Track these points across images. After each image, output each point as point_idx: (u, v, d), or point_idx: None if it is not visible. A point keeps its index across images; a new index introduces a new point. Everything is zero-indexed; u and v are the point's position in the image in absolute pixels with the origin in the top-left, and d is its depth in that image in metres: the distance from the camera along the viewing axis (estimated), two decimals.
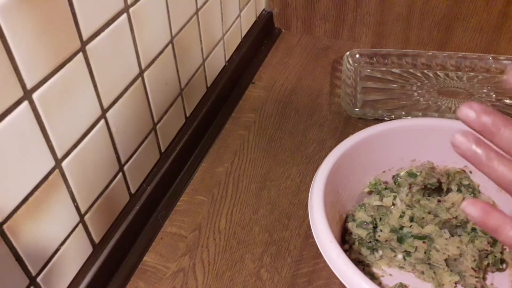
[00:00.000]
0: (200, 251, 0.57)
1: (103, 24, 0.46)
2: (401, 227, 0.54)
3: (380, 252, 0.54)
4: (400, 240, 0.53)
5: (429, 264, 0.52)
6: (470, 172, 0.59)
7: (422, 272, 0.53)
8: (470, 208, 0.31)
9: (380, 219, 0.56)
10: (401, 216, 0.55)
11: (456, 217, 0.54)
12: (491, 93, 0.76)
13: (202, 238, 0.59)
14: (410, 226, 0.54)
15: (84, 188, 0.48)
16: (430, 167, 0.59)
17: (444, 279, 0.51)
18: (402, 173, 0.60)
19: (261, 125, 0.74)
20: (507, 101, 0.74)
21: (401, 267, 0.54)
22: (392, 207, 0.56)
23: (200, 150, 0.70)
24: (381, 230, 0.54)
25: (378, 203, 0.57)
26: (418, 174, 0.59)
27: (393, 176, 0.61)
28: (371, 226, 0.55)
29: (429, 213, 0.54)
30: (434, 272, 0.52)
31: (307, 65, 0.86)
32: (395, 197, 0.56)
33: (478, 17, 0.80)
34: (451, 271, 0.52)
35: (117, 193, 0.55)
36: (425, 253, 0.52)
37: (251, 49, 0.86)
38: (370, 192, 0.60)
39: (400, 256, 0.53)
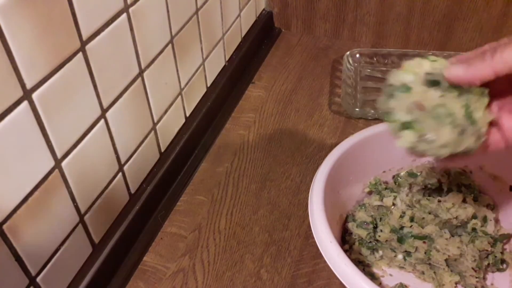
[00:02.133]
0: (200, 251, 0.57)
1: (103, 24, 0.46)
2: (401, 227, 0.54)
3: (380, 252, 0.54)
4: (400, 240, 0.53)
5: (429, 264, 0.52)
6: (471, 172, 0.59)
7: (423, 272, 0.53)
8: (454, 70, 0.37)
9: (380, 219, 0.56)
10: (401, 216, 0.55)
11: (456, 217, 0.54)
12: None
13: (202, 238, 0.59)
14: (411, 226, 0.54)
15: (84, 188, 0.48)
16: (430, 167, 0.59)
17: (445, 279, 0.51)
18: (402, 173, 0.60)
19: (261, 125, 0.74)
20: None
21: (401, 267, 0.54)
22: (393, 207, 0.56)
23: (200, 150, 0.70)
24: (381, 230, 0.54)
25: (378, 203, 0.57)
26: (419, 174, 0.58)
27: (393, 176, 0.61)
28: (371, 226, 0.55)
29: (430, 213, 0.54)
30: (434, 272, 0.52)
31: (307, 65, 0.86)
32: (395, 197, 0.56)
33: (478, 17, 0.80)
34: (451, 271, 0.52)
35: (117, 193, 0.55)
36: (425, 253, 0.52)
37: (251, 49, 0.86)
38: (370, 192, 0.60)
39: (400, 256, 0.53)
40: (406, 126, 0.39)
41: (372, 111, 0.73)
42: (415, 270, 0.53)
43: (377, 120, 0.72)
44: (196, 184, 0.66)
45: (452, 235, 0.53)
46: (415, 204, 0.56)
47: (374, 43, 0.90)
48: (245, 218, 0.61)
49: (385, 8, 0.85)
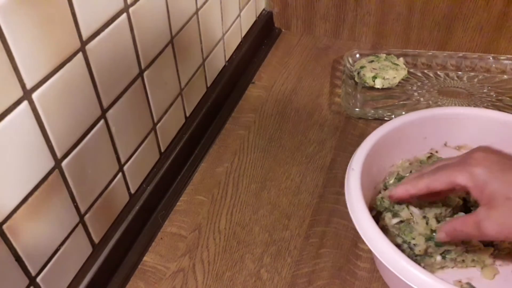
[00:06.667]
0: (200, 251, 0.57)
1: (103, 24, 0.46)
2: (433, 231, 0.51)
3: (422, 264, 0.52)
4: (438, 243, 0.51)
5: (466, 250, 0.52)
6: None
7: (463, 261, 0.52)
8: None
9: (408, 234, 0.52)
10: (426, 223, 0.52)
11: (463, 198, 0.54)
12: (491, 93, 0.76)
13: (202, 238, 0.59)
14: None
15: (83, 188, 0.48)
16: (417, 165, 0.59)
17: (483, 256, 0.51)
18: (391, 181, 0.58)
19: (261, 125, 0.74)
20: (507, 99, 0.74)
21: (442, 267, 0.52)
22: (411, 217, 0.53)
23: (200, 150, 0.70)
24: (414, 245, 0.51)
25: (396, 220, 0.53)
26: (406, 175, 0.58)
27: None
28: (405, 246, 0.52)
29: (442, 205, 0.52)
30: (473, 255, 0.52)
31: (307, 65, 0.86)
32: (407, 206, 0.53)
33: (478, 17, 0.80)
34: (484, 245, 0.51)
35: (117, 193, 0.55)
36: (462, 242, 0.51)
37: (251, 49, 0.86)
38: (376, 216, 0.55)
39: (438, 257, 0.52)
40: None
41: (372, 111, 0.73)
42: (456, 263, 0.52)
43: (377, 120, 0.72)
44: (196, 184, 0.66)
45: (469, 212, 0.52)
46: (426, 205, 0.53)
47: (374, 43, 0.90)
48: (245, 218, 0.61)
49: (385, 8, 0.85)
